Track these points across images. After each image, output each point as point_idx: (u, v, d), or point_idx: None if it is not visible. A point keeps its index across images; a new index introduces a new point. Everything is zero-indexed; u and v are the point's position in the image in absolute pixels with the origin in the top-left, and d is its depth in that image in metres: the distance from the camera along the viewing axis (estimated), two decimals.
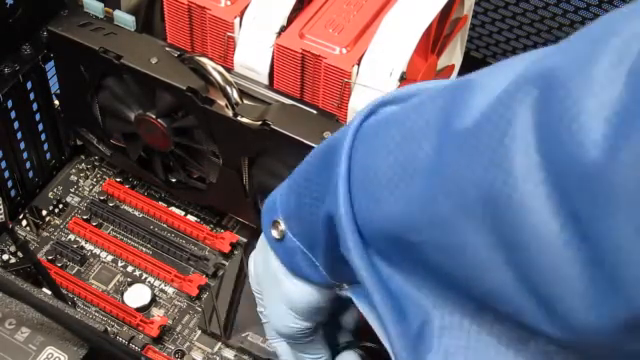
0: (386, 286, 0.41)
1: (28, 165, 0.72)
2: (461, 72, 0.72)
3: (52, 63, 0.70)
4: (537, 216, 0.32)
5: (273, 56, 0.61)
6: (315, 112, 0.61)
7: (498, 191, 0.33)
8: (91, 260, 0.71)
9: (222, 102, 0.62)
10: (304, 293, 0.49)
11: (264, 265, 0.51)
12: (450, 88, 0.38)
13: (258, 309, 0.55)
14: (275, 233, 0.48)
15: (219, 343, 0.66)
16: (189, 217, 0.73)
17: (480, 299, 0.37)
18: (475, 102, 0.35)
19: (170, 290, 0.69)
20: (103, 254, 0.71)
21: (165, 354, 0.65)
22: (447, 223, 0.36)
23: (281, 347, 0.55)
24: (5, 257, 0.70)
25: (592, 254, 0.31)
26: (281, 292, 0.50)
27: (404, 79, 0.58)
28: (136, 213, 0.74)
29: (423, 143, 0.37)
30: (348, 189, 0.41)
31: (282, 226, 0.47)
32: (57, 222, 0.73)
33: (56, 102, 0.73)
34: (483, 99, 0.34)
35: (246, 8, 0.62)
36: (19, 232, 0.72)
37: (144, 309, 0.67)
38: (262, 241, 0.51)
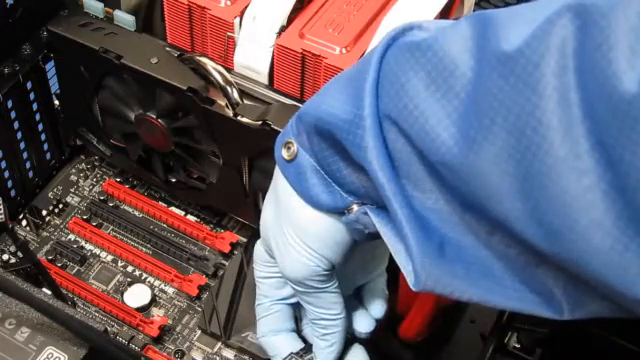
0: (406, 196, 0.42)
1: (28, 165, 0.72)
2: None
3: (52, 63, 0.70)
4: (565, 139, 0.33)
5: (273, 56, 0.61)
6: None
7: (528, 113, 0.34)
8: (91, 260, 0.71)
9: (222, 102, 0.62)
10: (318, 219, 0.47)
11: (275, 208, 0.50)
12: (482, 17, 0.39)
13: (264, 297, 0.54)
14: (286, 154, 0.47)
15: (219, 343, 0.66)
16: (189, 217, 0.73)
17: (492, 219, 0.38)
18: (516, 29, 0.36)
19: (170, 290, 0.69)
20: (103, 254, 0.71)
21: (165, 354, 0.65)
22: (474, 142, 0.36)
23: (277, 340, 0.54)
24: (5, 257, 0.70)
25: (616, 181, 0.32)
26: (294, 225, 0.48)
27: None
28: (136, 213, 0.74)
29: (459, 63, 0.38)
30: (375, 93, 0.41)
31: (294, 145, 0.47)
32: (57, 222, 0.73)
33: (56, 102, 0.73)
34: (524, 26, 0.36)
35: (246, 8, 0.62)
36: (19, 232, 0.72)
37: (144, 309, 0.67)
38: (271, 187, 0.51)
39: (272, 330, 0.55)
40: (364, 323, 0.55)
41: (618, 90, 0.31)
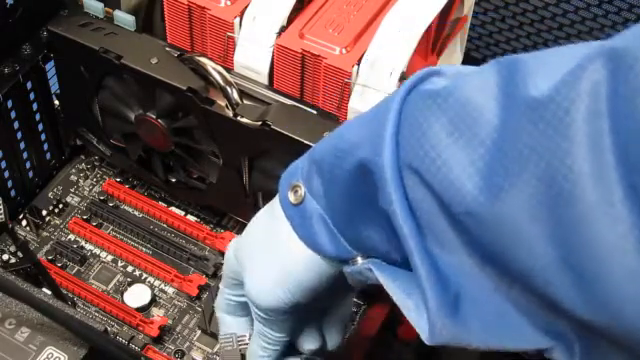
0: (427, 249, 0.40)
1: (28, 165, 0.72)
2: None
3: (52, 63, 0.70)
4: (597, 186, 0.32)
5: (273, 56, 0.61)
6: (315, 112, 0.61)
7: (559, 160, 0.34)
8: (91, 260, 0.71)
9: (222, 102, 0.62)
10: (312, 265, 0.46)
11: (265, 234, 0.49)
12: (508, 63, 0.38)
13: (224, 288, 0.54)
14: (293, 197, 0.46)
15: (219, 343, 0.66)
16: (189, 217, 0.73)
17: (514, 271, 0.37)
18: (545, 75, 0.36)
19: (170, 290, 0.69)
20: (103, 254, 0.71)
21: (165, 354, 0.65)
22: (501, 190, 0.36)
23: (228, 319, 0.54)
24: (5, 257, 0.70)
25: None
26: (281, 263, 0.47)
27: (404, 79, 0.58)
28: (136, 213, 0.74)
29: (484, 110, 0.37)
30: (396, 141, 0.40)
31: (302, 189, 0.45)
32: (57, 222, 0.73)
33: (56, 102, 0.73)
34: (553, 72, 0.35)
35: (246, 8, 0.62)
36: (19, 232, 0.72)
37: (144, 309, 0.67)
38: (267, 210, 0.50)
39: (227, 311, 0.55)
40: (311, 342, 0.54)
41: None
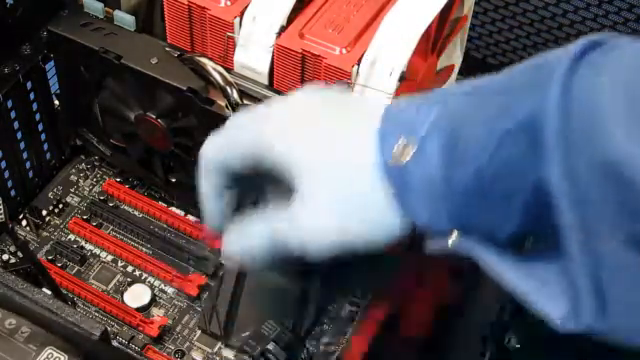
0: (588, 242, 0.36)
1: (28, 165, 0.72)
2: (461, 72, 0.72)
3: (52, 63, 0.70)
4: None
5: (273, 56, 0.61)
6: None
7: None
8: (91, 260, 0.71)
9: (222, 102, 0.62)
10: (392, 224, 0.40)
11: (341, 160, 0.40)
12: None
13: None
14: (399, 152, 0.39)
15: (219, 343, 0.66)
16: (189, 217, 0.73)
17: None
18: None
19: (170, 290, 0.69)
20: (103, 254, 0.71)
21: (165, 354, 0.65)
22: None
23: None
24: (5, 257, 0.70)
25: None
26: (357, 206, 0.40)
27: (404, 79, 0.58)
28: (136, 213, 0.74)
29: None
30: (565, 108, 0.35)
31: (414, 147, 0.38)
32: (57, 222, 0.73)
33: (56, 102, 0.73)
34: None
35: (246, 8, 0.62)
36: (19, 232, 0.72)
37: (144, 309, 0.67)
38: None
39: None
40: None
41: None
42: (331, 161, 0.41)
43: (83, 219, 0.73)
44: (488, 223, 0.39)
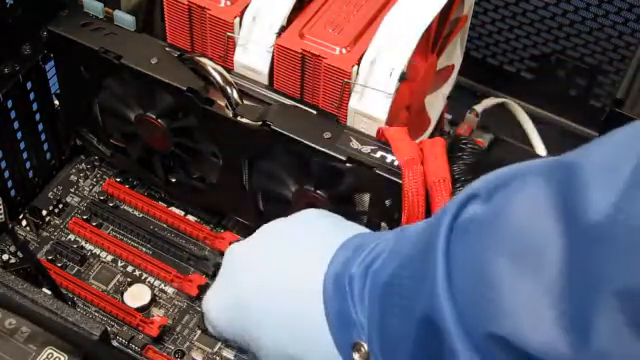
0: None
1: (28, 165, 0.72)
2: (461, 72, 0.72)
3: (52, 63, 0.70)
4: None
5: (273, 56, 0.61)
6: (315, 112, 0.61)
7: (637, 279, 0.31)
8: (91, 260, 0.71)
9: (222, 102, 0.62)
10: None
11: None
12: (560, 175, 0.35)
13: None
14: (357, 356, 0.44)
15: (219, 343, 0.66)
16: (189, 217, 0.73)
17: None
18: (597, 194, 0.33)
19: (170, 290, 0.69)
20: (103, 254, 0.71)
21: (165, 354, 0.65)
22: (588, 331, 0.33)
23: None
24: (5, 257, 0.70)
25: None
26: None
27: (404, 79, 0.58)
28: (136, 213, 0.74)
29: (546, 239, 0.34)
30: (450, 293, 0.38)
31: (364, 348, 0.44)
32: (57, 222, 0.73)
33: (56, 102, 0.73)
34: (605, 189, 0.33)
35: (246, 8, 0.62)
36: (19, 232, 0.72)
37: (144, 309, 0.67)
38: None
39: None
40: None
41: None
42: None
43: (83, 219, 0.73)
44: None
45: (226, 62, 0.63)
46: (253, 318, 0.52)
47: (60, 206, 0.74)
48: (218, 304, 0.55)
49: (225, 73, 0.62)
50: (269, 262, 0.53)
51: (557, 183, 0.35)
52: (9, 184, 0.71)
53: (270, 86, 0.63)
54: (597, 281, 0.32)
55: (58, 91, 0.72)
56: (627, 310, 0.31)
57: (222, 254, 0.70)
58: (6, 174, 0.70)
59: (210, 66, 0.62)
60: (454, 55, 0.71)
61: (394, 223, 0.57)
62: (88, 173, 0.76)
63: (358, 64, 0.58)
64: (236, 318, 0.53)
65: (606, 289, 0.32)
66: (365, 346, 0.44)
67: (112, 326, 0.66)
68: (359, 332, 0.44)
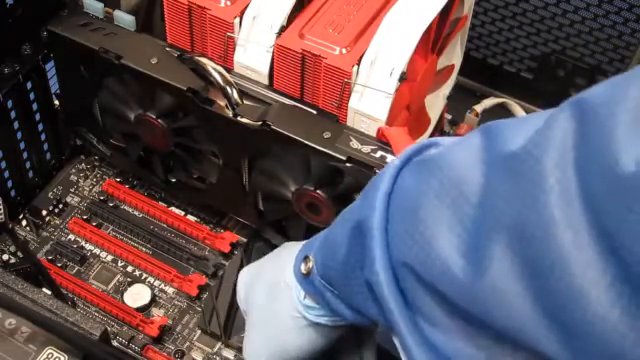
0: (419, 331, 0.41)
1: (28, 165, 0.72)
2: (461, 72, 0.72)
3: (52, 63, 0.70)
4: (567, 231, 0.32)
5: (273, 56, 0.61)
6: (315, 112, 0.61)
7: (530, 208, 0.33)
8: (91, 260, 0.71)
9: (222, 102, 0.62)
10: (313, 337, 0.51)
11: (267, 297, 0.52)
12: (492, 125, 0.38)
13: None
14: (304, 267, 0.48)
15: (219, 343, 0.66)
16: (189, 217, 0.73)
17: (499, 332, 0.37)
18: (522, 129, 0.36)
19: (170, 290, 0.69)
20: (103, 254, 0.71)
21: (165, 354, 0.65)
22: (484, 260, 0.35)
23: None
24: (5, 257, 0.70)
25: (618, 271, 0.31)
26: (278, 331, 0.51)
27: (404, 79, 0.58)
28: (136, 213, 0.74)
29: (471, 173, 0.37)
30: (387, 203, 0.41)
31: (311, 262, 0.48)
32: (57, 222, 0.73)
33: (56, 102, 0.73)
34: (531, 126, 0.36)
35: (246, 8, 0.62)
36: (19, 232, 0.72)
37: (144, 309, 0.67)
38: (271, 272, 0.53)
39: None
40: None
41: (616, 171, 0.30)
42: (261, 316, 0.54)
43: (83, 219, 0.73)
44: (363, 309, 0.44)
45: (226, 62, 0.63)
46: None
47: (60, 206, 0.74)
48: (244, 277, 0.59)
49: (225, 73, 0.62)
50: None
51: (488, 131, 0.38)
52: (9, 184, 0.71)
53: (270, 86, 0.63)
54: (498, 216, 0.35)
55: (58, 91, 0.72)
56: (515, 248, 0.34)
57: (222, 254, 0.70)
58: (6, 174, 0.70)
59: (210, 66, 0.62)
60: (454, 55, 0.71)
61: None
62: (88, 173, 0.76)
63: (358, 64, 0.58)
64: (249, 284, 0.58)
65: (502, 224, 0.35)
66: (311, 257, 0.48)
67: (112, 326, 0.66)
68: (311, 246, 0.48)
